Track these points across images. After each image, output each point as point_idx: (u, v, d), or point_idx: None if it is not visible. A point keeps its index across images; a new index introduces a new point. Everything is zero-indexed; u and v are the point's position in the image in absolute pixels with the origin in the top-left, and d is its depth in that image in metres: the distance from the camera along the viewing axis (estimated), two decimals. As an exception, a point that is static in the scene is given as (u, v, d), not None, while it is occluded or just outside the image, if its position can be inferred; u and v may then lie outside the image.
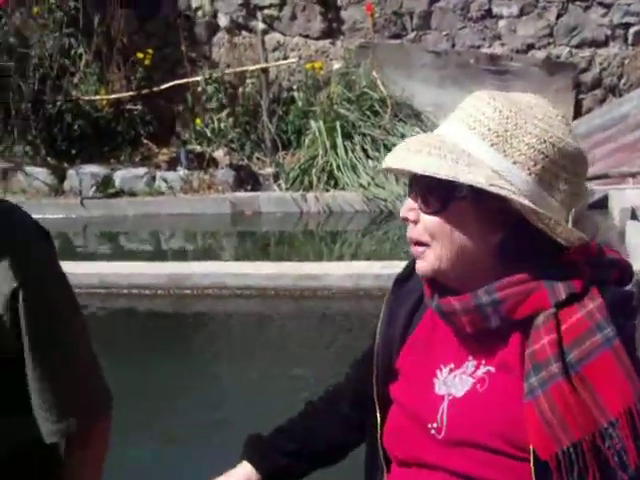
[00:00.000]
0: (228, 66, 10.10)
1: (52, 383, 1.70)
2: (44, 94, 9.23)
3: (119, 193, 8.72)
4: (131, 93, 10.00)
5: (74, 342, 1.75)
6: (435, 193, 1.39)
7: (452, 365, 1.47)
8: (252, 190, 8.69)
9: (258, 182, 8.79)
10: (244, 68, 9.95)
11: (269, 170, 8.87)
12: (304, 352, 4.96)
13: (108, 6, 9.80)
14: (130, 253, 7.62)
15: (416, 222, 1.43)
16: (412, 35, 9.73)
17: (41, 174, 8.96)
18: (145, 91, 9.99)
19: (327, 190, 8.29)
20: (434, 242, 1.41)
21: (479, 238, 1.39)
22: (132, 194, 8.69)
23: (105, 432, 1.81)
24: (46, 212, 8.54)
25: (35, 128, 9.20)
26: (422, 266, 1.44)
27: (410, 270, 1.56)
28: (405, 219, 1.45)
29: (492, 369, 1.42)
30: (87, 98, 9.78)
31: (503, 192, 1.32)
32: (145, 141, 9.94)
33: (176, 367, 4.72)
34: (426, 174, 1.35)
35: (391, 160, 1.41)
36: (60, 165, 9.14)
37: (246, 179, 8.73)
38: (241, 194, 8.54)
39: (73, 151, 9.39)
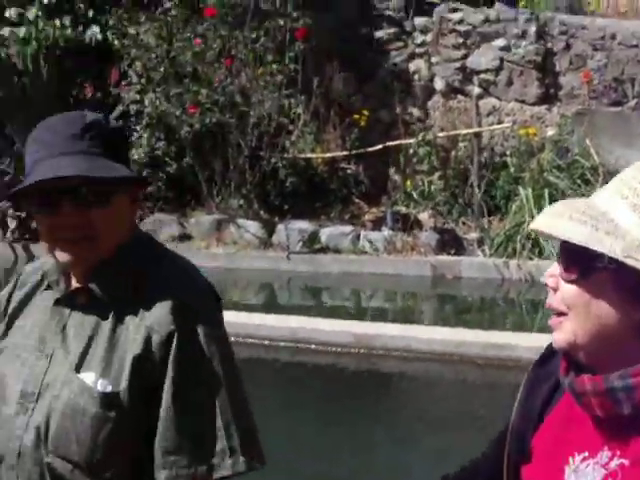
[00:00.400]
0: (442, 129, 10.16)
1: (182, 428, 1.76)
2: (261, 150, 9.63)
3: (324, 249, 8.91)
4: (345, 153, 10.26)
5: (213, 397, 1.80)
6: (576, 261, 1.32)
7: (586, 453, 1.38)
8: (455, 254, 8.62)
9: (462, 246, 8.73)
10: (457, 132, 9.98)
11: (473, 235, 8.79)
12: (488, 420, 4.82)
13: (327, 68, 10.15)
14: (331, 309, 7.74)
15: (555, 290, 1.36)
16: (633, 103, 9.40)
17: (252, 227, 9.33)
18: (359, 151, 10.21)
19: (531, 258, 8.10)
20: (571, 313, 1.33)
21: (620, 313, 1.29)
22: (337, 251, 8.85)
23: None
24: (254, 264, 8.88)
25: (250, 183, 9.60)
26: (558, 338, 1.37)
27: (552, 349, 1.48)
28: (546, 285, 1.38)
29: (626, 462, 1.32)
30: (303, 156, 10.13)
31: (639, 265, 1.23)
32: (356, 200, 10.14)
33: (356, 425, 4.72)
34: (562, 238, 1.29)
35: (536, 222, 1.35)
36: (271, 219, 9.47)
37: (449, 243, 8.68)
38: (443, 257, 8.50)
39: (285, 206, 9.73)
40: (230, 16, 9.87)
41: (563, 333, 1.35)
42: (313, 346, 5.66)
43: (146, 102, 9.98)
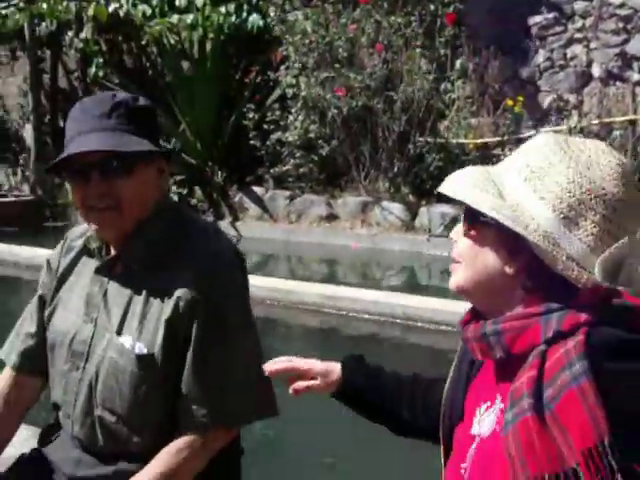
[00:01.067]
0: (598, 117, 9.93)
1: (203, 382, 1.99)
2: (410, 134, 9.74)
3: (465, 233, 8.95)
4: (498, 138, 10.20)
5: (231, 355, 2.02)
6: (468, 218, 1.47)
7: (489, 402, 1.49)
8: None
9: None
10: (612, 119, 9.72)
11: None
12: None
13: (483, 53, 10.12)
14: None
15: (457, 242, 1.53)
16: None
17: (396, 209, 9.47)
18: (512, 137, 10.13)
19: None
20: (463, 262, 1.48)
21: (501, 265, 1.42)
22: (476, 235, 8.86)
23: (214, 446, 2.02)
24: (395, 245, 9.03)
25: (398, 166, 9.73)
26: (451, 281, 1.52)
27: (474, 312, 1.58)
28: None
29: (503, 406, 1.43)
30: (455, 141, 10.15)
31: (510, 225, 1.36)
32: (505, 186, 10.06)
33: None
34: (458, 199, 1.43)
35: (444, 185, 1.50)
36: (416, 202, 9.57)
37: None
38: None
39: (431, 190, 9.80)
40: (385, 2, 10.02)
41: (455, 278, 1.50)
42: (419, 324, 5.77)
43: (302, 86, 10.29)
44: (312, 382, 1.89)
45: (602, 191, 1.34)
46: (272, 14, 10.79)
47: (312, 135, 10.30)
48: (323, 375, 1.88)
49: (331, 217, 9.99)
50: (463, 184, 1.44)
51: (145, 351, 1.99)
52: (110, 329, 2.05)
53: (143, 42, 11.91)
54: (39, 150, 13.40)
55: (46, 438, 2.24)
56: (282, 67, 10.84)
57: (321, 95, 9.90)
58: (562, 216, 1.35)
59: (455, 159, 10.01)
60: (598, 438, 1.21)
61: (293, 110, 10.50)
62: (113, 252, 2.11)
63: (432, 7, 9.70)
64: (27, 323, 2.25)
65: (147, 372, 2.00)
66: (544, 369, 1.29)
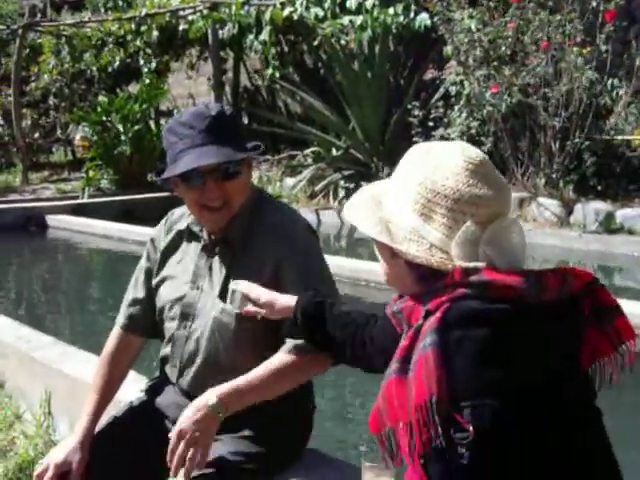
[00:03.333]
0: None
1: None
2: (569, 131, 9.77)
3: (618, 230, 8.92)
4: (666, 135, 10.04)
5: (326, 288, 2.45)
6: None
7: None
8: None
9: None
10: None
11: None
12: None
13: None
14: (620, 290, 7.79)
15: None
16: None
17: (552, 205, 9.54)
18: (680, 134, 9.95)
19: None
20: (385, 266, 1.86)
21: (391, 265, 1.80)
22: (630, 232, 8.82)
23: (308, 372, 2.40)
24: (547, 241, 9.11)
25: (557, 163, 9.78)
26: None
27: None
28: None
29: None
30: (621, 137, 10.08)
31: (379, 238, 1.75)
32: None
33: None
34: (349, 223, 1.88)
35: (344, 212, 1.90)
36: (573, 199, 9.60)
37: None
38: None
39: (592, 187, 9.80)
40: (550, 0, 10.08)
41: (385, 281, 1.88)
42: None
43: (465, 84, 10.51)
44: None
45: (443, 188, 1.66)
46: (438, 14, 11.04)
47: (473, 132, 10.50)
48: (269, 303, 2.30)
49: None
50: (354, 209, 1.82)
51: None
52: (214, 294, 2.51)
53: (316, 43, 12.45)
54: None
55: (153, 387, 2.72)
56: (446, 65, 11.10)
57: (482, 92, 10.08)
58: (419, 213, 1.68)
59: (621, 156, 9.95)
60: (427, 396, 1.51)
61: (456, 107, 10.73)
62: (212, 234, 2.58)
63: (594, 3, 9.67)
64: (134, 290, 2.74)
65: (246, 327, 2.45)
66: (417, 339, 1.59)
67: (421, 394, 1.52)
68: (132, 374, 2.98)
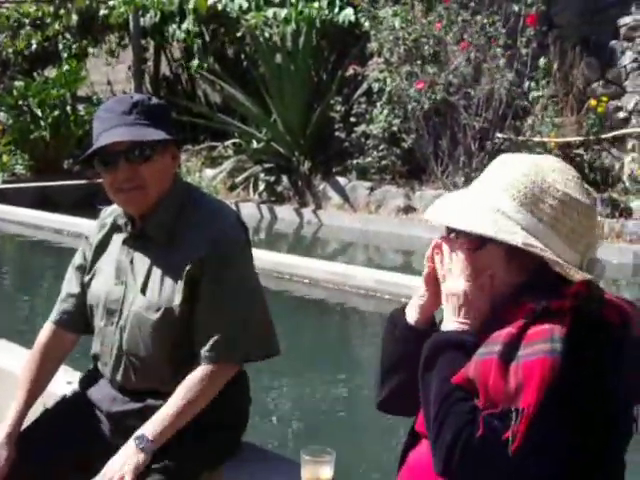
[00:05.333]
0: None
1: (211, 323, 2.41)
2: (489, 131, 9.95)
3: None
4: (581, 138, 10.29)
5: (238, 299, 2.45)
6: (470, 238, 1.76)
7: None
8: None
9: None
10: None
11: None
12: None
13: (569, 53, 10.23)
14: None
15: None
16: None
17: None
18: (593, 137, 10.22)
19: None
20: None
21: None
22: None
23: (221, 378, 2.41)
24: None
25: (476, 162, 9.95)
26: None
27: None
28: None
29: None
30: (537, 139, 10.30)
31: (536, 251, 1.66)
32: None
33: None
34: (470, 231, 1.72)
35: (434, 214, 1.79)
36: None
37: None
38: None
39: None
40: (472, 1, 10.24)
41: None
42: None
43: (388, 81, 10.60)
44: None
45: (582, 206, 1.69)
46: (363, 10, 11.10)
47: (395, 129, 10.60)
48: None
49: (409, 209, 10.28)
50: (468, 215, 1.72)
51: (164, 305, 2.43)
52: (136, 289, 2.47)
53: (239, 34, 12.39)
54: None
55: (85, 382, 2.68)
56: (370, 62, 11.17)
57: (404, 89, 10.19)
58: (560, 233, 1.69)
59: (535, 157, 10.15)
60: (533, 406, 1.53)
61: (378, 104, 10.82)
62: (136, 226, 2.53)
63: (516, 8, 9.87)
64: (68, 285, 2.69)
65: (165, 322, 2.43)
66: (525, 334, 1.60)
67: (533, 397, 1.54)
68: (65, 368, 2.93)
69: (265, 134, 12.19)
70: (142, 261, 2.51)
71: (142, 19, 13.88)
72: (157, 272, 2.47)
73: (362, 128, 10.95)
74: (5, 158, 12.99)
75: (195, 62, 12.90)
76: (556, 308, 1.60)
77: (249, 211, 11.41)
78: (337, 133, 11.29)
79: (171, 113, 2.62)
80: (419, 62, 10.20)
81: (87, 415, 2.59)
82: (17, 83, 13.53)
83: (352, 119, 11.27)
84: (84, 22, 14.70)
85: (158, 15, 13.61)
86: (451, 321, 1.74)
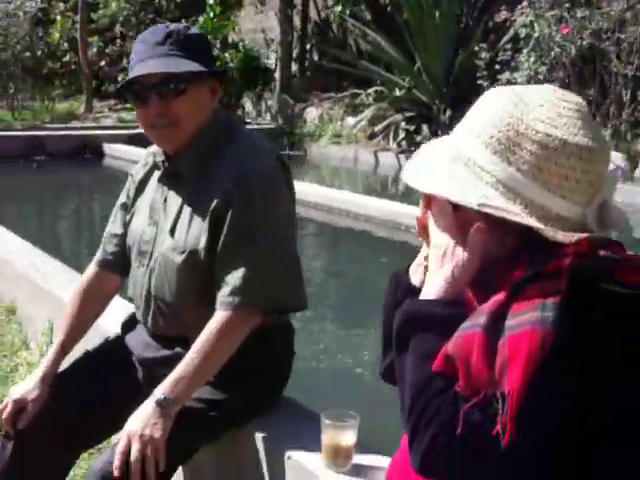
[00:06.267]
0: None
1: (229, 265, 2.23)
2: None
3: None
4: None
5: (263, 242, 2.24)
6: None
7: None
8: None
9: None
10: None
11: None
12: None
13: None
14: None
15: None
16: None
17: (617, 159, 9.10)
18: None
19: None
20: None
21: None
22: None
23: (242, 325, 2.22)
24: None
25: (626, 113, 9.34)
26: None
27: None
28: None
29: None
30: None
31: (494, 212, 1.35)
32: None
33: None
34: (434, 194, 1.42)
35: (405, 174, 1.48)
36: (639, 152, 9.17)
37: None
38: None
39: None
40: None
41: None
42: None
43: (535, 27, 10.06)
44: None
45: (572, 147, 1.34)
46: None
47: (540, 77, 10.06)
48: None
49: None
50: (430, 175, 1.43)
51: (190, 247, 2.27)
52: (166, 230, 2.33)
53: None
54: (284, 81, 14.03)
55: (127, 325, 2.58)
56: (518, 7, 10.63)
57: (551, 35, 9.64)
58: (544, 182, 1.34)
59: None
60: (520, 390, 1.24)
61: (525, 51, 10.30)
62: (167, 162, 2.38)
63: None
64: (112, 225, 2.58)
65: (190, 265, 2.27)
66: (514, 299, 1.30)
67: (519, 379, 1.25)
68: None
69: (408, 82, 11.87)
70: (175, 200, 2.35)
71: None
72: (187, 211, 2.31)
73: (506, 76, 10.46)
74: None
75: (338, 8, 12.65)
76: (551, 270, 1.30)
77: (388, 160, 11.17)
78: (480, 81, 10.84)
79: (210, 44, 2.43)
80: (567, 5, 9.58)
81: (124, 360, 2.48)
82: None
83: (496, 67, 10.80)
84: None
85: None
86: (433, 285, 1.45)
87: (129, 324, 2.56)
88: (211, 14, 13.77)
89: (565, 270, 1.28)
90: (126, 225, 2.52)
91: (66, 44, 16.22)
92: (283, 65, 14.15)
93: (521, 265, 1.34)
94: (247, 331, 2.23)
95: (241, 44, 14.34)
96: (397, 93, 11.94)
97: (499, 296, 1.32)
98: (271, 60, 15.30)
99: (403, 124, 11.62)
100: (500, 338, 1.28)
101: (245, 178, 2.23)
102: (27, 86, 15.08)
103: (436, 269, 1.45)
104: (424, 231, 1.52)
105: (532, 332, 1.24)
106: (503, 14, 11.12)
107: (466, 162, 1.39)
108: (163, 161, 2.38)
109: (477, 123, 1.40)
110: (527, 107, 1.37)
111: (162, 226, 2.36)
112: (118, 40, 16.49)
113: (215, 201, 2.23)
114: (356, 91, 13.05)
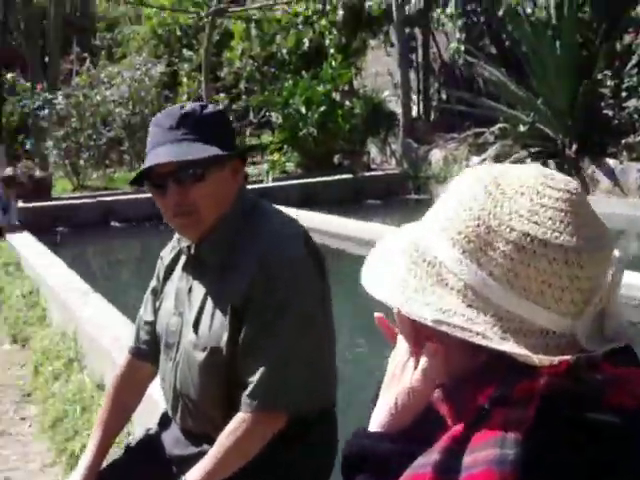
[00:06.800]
0: None
1: (250, 361, 2.07)
2: None
3: None
4: None
5: (287, 345, 2.07)
6: None
7: None
8: None
9: None
10: None
11: None
12: None
13: None
14: None
15: None
16: None
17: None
18: None
19: None
20: None
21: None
22: None
23: (262, 429, 2.05)
24: None
25: None
26: None
27: None
28: None
29: None
30: None
31: (454, 332, 1.07)
32: None
33: None
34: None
35: (362, 272, 1.21)
36: None
37: None
38: None
39: None
40: None
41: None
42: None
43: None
44: None
45: (557, 248, 1.05)
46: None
47: (670, 102, 9.55)
48: None
49: None
50: (384, 276, 1.16)
51: (212, 344, 2.11)
52: (189, 323, 2.19)
53: (500, 13, 11.78)
54: (407, 125, 13.89)
55: (163, 419, 2.44)
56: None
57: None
58: (523, 290, 1.06)
59: None
60: None
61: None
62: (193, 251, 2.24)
63: None
64: (144, 311, 2.45)
65: (212, 363, 2.11)
66: (476, 429, 1.05)
67: None
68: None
69: (532, 117, 11.49)
70: (198, 290, 2.20)
71: (407, 7, 13.67)
72: (210, 304, 2.14)
73: (633, 103, 9.96)
74: (276, 156, 13.32)
75: (453, 45, 12.44)
76: (520, 393, 1.03)
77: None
78: (605, 110, 10.35)
79: (229, 121, 2.27)
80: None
81: (159, 457, 2.35)
82: (286, 83, 13.86)
83: (623, 94, 10.29)
84: (350, 16, 14.70)
85: (422, 1, 13.30)
86: (376, 413, 1.20)
87: (166, 417, 2.43)
88: (332, 62, 13.79)
89: (536, 394, 1.01)
90: (156, 312, 2.40)
91: (193, 104, 16.59)
92: (405, 109, 13.99)
93: (492, 383, 1.07)
94: (270, 433, 2.05)
95: (362, 90, 14.32)
96: (521, 129, 11.56)
97: (458, 426, 1.07)
98: (397, 104, 15.21)
99: (529, 160, 11.21)
100: (453, 477, 1.01)
101: (266, 263, 2.05)
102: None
103: (384, 392, 1.21)
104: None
105: (487, 474, 0.98)
106: (628, 37, 10.60)
107: (430, 261, 1.12)
108: (188, 247, 2.25)
109: (445, 213, 1.13)
110: (503, 196, 1.08)
111: (187, 318, 2.20)
112: (243, 96, 16.77)
113: (237, 293, 2.06)
114: (480, 130, 12.75)
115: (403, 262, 1.14)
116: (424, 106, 15.13)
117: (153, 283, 2.43)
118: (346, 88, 14.67)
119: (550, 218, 1.05)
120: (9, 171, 10.60)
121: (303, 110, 12.89)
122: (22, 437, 4.51)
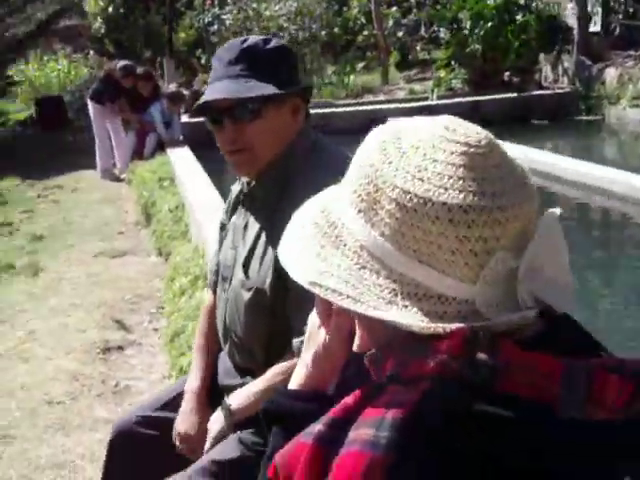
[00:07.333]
0: None
1: (300, 310, 2.03)
2: None
3: None
4: None
5: None
6: None
7: None
8: None
9: None
10: None
11: None
12: None
13: None
14: None
15: None
16: None
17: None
18: None
19: None
20: None
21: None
22: None
23: None
24: None
25: None
26: None
27: None
28: None
29: None
30: None
31: (325, 295, 1.02)
32: None
33: None
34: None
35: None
36: None
37: None
38: None
39: None
40: None
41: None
42: None
43: None
44: None
45: (440, 207, 0.96)
46: None
47: None
48: None
49: None
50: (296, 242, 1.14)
51: (258, 284, 2.10)
52: (240, 260, 2.19)
53: None
54: (582, 40, 13.22)
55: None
56: None
57: None
58: (412, 251, 0.99)
59: None
60: None
61: None
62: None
63: None
64: (216, 246, 2.48)
65: (257, 303, 2.11)
66: (369, 402, 0.98)
67: None
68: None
69: None
70: (253, 228, 2.18)
71: None
72: (261, 243, 2.13)
73: None
74: (443, 73, 13.04)
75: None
76: (409, 375, 0.95)
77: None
78: None
79: (292, 57, 2.19)
80: None
81: (214, 386, 2.38)
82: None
83: None
84: None
85: None
86: (295, 373, 1.18)
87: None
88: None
89: (426, 377, 0.93)
90: (220, 245, 2.42)
91: (363, 18, 16.40)
92: (581, 23, 13.29)
93: (394, 356, 1.00)
94: None
95: (537, 3, 13.70)
96: None
97: (352, 396, 1.00)
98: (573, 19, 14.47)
99: None
100: (339, 453, 0.95)
101: None
102: (325, 64, 15.47)
103: (304, 351, 1.18)
104: None
105: (358, 456, 0.91)
106: None
107: (334, 222, 1.07)
108: (248, 182, 2.24)
109: (350, 172, 1.07)
110: (397, 152, 1.00)
111: (240, 253, 2.21)
112: (414, 10, 16.41)
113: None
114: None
115: (310, 228, 1.11)
116: (605, 20, 14.32)
117: (221, 216, 2.44)
118: (522, 1, 14.06)
119: (439, 174, 0.96)
120: (173, 87, 10.90)
121: (468, 25, 12.50)
122: (151, 348, 4.72)
